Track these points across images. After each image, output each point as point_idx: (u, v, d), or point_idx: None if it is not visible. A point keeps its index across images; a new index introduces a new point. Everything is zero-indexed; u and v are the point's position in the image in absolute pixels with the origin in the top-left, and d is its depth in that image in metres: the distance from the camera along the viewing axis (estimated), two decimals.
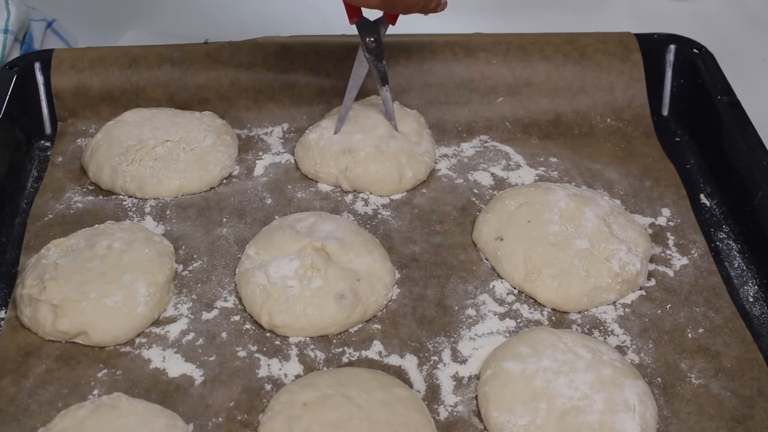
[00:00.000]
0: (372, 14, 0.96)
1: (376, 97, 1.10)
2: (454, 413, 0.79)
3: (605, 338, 0.86)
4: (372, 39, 0.98)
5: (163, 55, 1.11)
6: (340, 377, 0.79)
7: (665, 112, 1.15)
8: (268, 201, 1.00)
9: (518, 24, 1.32)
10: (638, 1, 1.45)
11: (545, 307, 0.89)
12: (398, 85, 1.12)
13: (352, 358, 0.84)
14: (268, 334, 0.85)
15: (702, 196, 1.03)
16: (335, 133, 1.02)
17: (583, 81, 1.12)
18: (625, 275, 0.89)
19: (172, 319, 0.86)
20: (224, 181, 1.03)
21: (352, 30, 1.16)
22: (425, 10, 0.92)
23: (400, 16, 0.97)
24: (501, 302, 0.89)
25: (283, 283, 0.85)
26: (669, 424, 0.78)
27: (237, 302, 0.88)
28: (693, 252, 0.95)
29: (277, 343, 0.85)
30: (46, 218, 0.97)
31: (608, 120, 1.12)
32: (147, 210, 0.98)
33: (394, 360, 0.83)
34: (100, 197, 1.00)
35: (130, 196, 1.00)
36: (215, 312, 0.87)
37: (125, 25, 1.34)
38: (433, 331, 0.86)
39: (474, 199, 1.01)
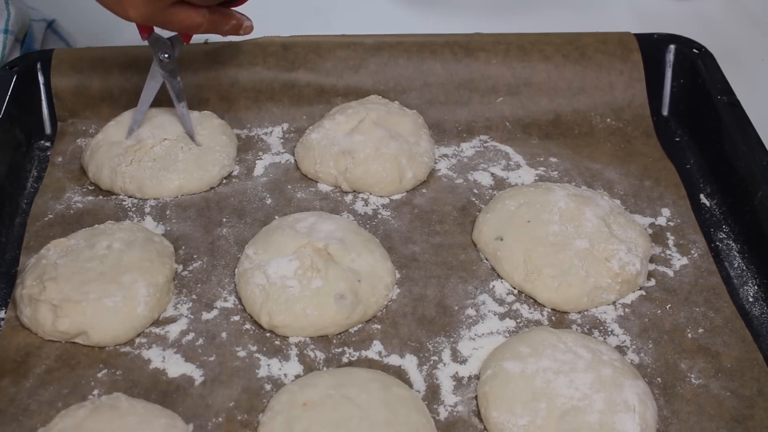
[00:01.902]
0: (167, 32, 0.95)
1: (377, 97, 1.10)
2: (454, 413, 0.79)
3: (605, 338, 0.86)
4: (166, 55, 0.99)
5: None
6: (340, 377, 0.79)
7: (665, 112, 1.15)
8: (268, 201, 1.00)
9: (518, 24, 1.32)
10: (638, 1, 1.45)
11: (545, 307, 0.89)
12: (398, 85, 1.12)
13: (352, 358, 0.84)
14: (268, 334, 0.85)
15: (702, 196, 1.03)
16: (127, 137, 1.03)
17: (583, 81, 1.12)
18: (625, 275, 0.89)
19: (172, 319, 0.86)
20: (224, 181, 1.03)
21: (352, 29, 1.17)
22: (220, 33, 0.92)
23: (196, 37, 0.98)
24: (501, 302, 0.89)
25: (283, 283, 0.85)
26: (669, 424, 0.78)
27: (237, 302, 0.88)
28: (693, 252, 0.95)
29: (277, 343, 0.85)
30: (46, 218, 0.97)
31: (608, 120, 1.12)
32: (147, 210, 0.98)
33: (394, 360, 0.83)
34: (100, 197, 1.00)
35: (129, 197, 1.00)
36: (215, 312, 0.87)
37: (125, 25, 1.34)
38: (433, 331, 0.86)
39: (474, 199, 1.01)
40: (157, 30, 0.95)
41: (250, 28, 0.93)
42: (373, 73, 1.12)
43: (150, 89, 1.02)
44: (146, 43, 0.98)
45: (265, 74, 1.11)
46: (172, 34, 0.98)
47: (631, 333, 0.86)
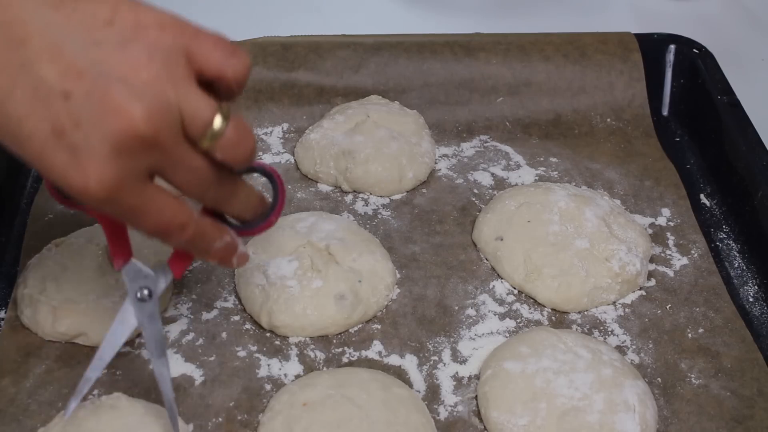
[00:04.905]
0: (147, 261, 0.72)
1: (377, 97, 1.10)
2: (454, 413, 0.79)
3: (605, 338, 0.86)
4: (146, 292, 0.69)
5: None
6: (340, 377, 0.79)
7: (665, 112, 1.15)
8: (268, 201, 1.00)
9: (518, 24, 1.32)
10: (638, 1, 1.45)
11: (545, 307, 0.89)
12: (398, 85, 1.12)
13: (352, 358, 0.84)
14: (268, 334, 0.85)
15: (702, 196, 1.03)
16: (66, 416, 0.73)
17: (583, 81, 1.12)
18: (625, 275, 0.89)
19: (172, 319, 0.86)
20: None
21: (352, 29, 1.16)
22: (205, 253, 0.65)
23: None
24: (501, 302, 0.89)
25: (282, 284, 0.85)
26: (669, 424, 0.78)
27: (237, 302, 0.88)
28: (693, 252, 0.95)
29: (277, 343, 0.85)
30: (46, 218, 0.97)
31: (608, 120, 1.12)
32: None
33: (394, 360, 0.83)
34: None
35: None
36: (215, 312, 0.87)
37: None
38: (433, 331, 0.86)
39: (474, 199, 1.01)
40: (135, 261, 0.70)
41: (245, 259, 0.68)
42: (373, 73, 1.12)
43: (115, 336, 0.71)
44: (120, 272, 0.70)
45: (265, 74, 1.11)
46: (156, 262, 0.72)
47: (631, 333, 0.86)
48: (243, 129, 0.60)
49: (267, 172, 0.68)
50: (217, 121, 0.58)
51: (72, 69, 0.54)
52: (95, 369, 0.71)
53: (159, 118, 0.55)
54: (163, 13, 0.58)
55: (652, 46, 1.14)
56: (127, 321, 0.71)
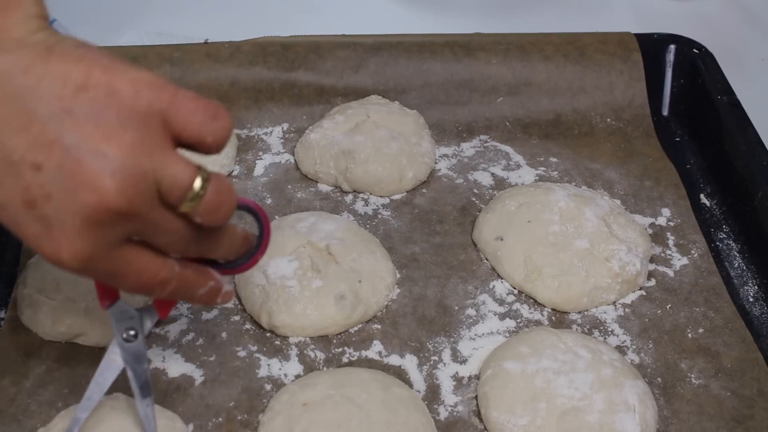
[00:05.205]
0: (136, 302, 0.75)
1: (377, 97, 1.10)
2: (454, 413, 0.79)
3: (605, 338, 0.86)
4: (132, 332, 0.69)
5: (163, 55, 1.11)
6: (340, 377, 0.79)
7: (665, 112, 1.15)
8: (268, 201, 1.00)
9: (518, 24, 1.32)
10: (638, 1, 1.45)
11: (545, 307, 0.89)
12: (398, 85, 1.12)
13: (352, 358, 0.84)
14: (268, 334, 0.85)
15: (702, 196, 1.03)
16: None
17: (583, 81, 1.12)
18: (625, 275, 0.89)
19: (172, 319, 0.86)
20: None
21: (352, 29, 1.16)
22: (191, 298, 0.65)
23: None
24: (501, 302, 0.89)
25: (282, 284, 0.85)
26: (669, 424, 0.78)
27: (237, 302, 0.88)
28: (693, 252, 0.95)
29: (277, 343, 0.85)
30: None
31: (608, 120, 1.12)
32: None
33: (394, 360, 0.83)
34: None
35: None
36: (215, 312, 0.87)
37: (125, 25, 1.34)
38: (433, 331, 0.86)
39: (474, 199, 1.01)
40: (124, 296, 0.70)
41: (230, 296, 0.67)
42: (373, 73, 1.12)
43: (102, 379, 0.71)
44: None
45: (265, 74, 1.11)
46: (141, 302, 0.76)
47: (631, 333, 0.86)
48: (223, 191, 0.58)
49: (252, 210, 0.67)
50: (197, 185, 0.56)
51: (42, 140, 0.52)
52: (84, 410, 0.70)
53: (133, 190, 0.54)
54: (140, 73, 0.55)
55: (652, 46, 1.14)
56: (114, 362, 0.70)
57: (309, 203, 1.00)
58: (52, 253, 0.55)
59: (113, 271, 0.58)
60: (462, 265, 0.93)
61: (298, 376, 0.81)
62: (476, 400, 0.80)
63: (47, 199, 0.53)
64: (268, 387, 0.80)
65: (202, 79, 1.11)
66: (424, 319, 0.87)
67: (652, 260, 0.94)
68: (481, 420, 0.78)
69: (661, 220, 0.99)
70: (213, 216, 0.58)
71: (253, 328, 0.86)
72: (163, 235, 0.58)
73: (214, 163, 1.01)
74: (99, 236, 0.54)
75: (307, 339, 0.85)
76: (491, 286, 0.91)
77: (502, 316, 0.88)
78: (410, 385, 0.81)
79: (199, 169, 0.57)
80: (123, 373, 0.79)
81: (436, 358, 0.84)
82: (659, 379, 0.82)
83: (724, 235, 0.98)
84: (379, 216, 0.99)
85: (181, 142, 0.57)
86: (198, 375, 0.81)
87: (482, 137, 1.10)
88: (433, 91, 1.12)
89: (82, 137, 0.53)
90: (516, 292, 0.91)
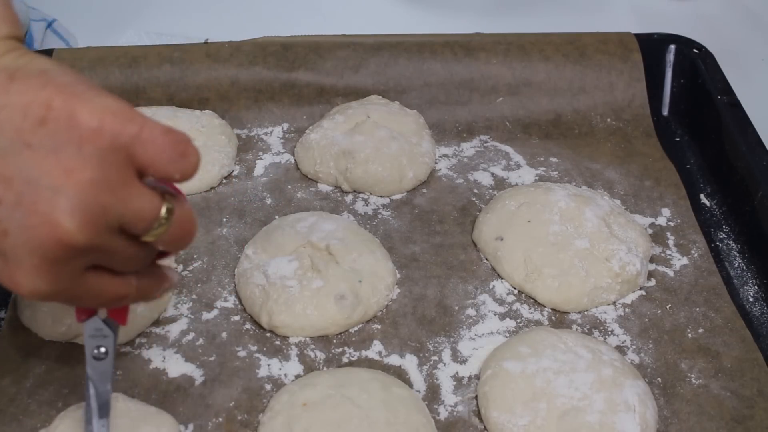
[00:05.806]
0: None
1: (377, 97, 1.10)
2: (454, 413, 0.79)
3: (605, 338, 0.86)
4: (102, 350, 0.67)
5: (163, 55, 1.11)
6: (340, 377, 0.79)
7: (665, 112, 1.15)
8: (268, 201, 1.00)
9: (518, 24, 1.32)
10: (638, 1, 1.45)
11: (545, 307, 0.89)
12: (398, 85, 1.12)
13: (352, 358, 0.84)
14: (268, 334, 0.85)
15: (702, 196, 1.03)
16: None
17: (583, 81, 1.12)
18: (625, 275, 0.89)
19: (172, 319, 0.86)
20: (224, 181, 1.03)
21: (352, 29, 1.16)
22: (150, 299, 0.65)
23: None
24: (501, 302, 0.89)
25: (282, 284, 0.85)
26: (669, 424, 0.78)
27: (237, 302, 0.88)
28: (693, 252, 0.95)
29: (277, 343, 0.85)
30: None
31: (608, 120, 1.12)
32: None
33: (394, 360, 0.83)
34: None
35: None
36: (215, 312, 0.87)
37: (125, 25, 1.34)
38: (433, 331, 0.86)
39: (474, 199, 1.01)
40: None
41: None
42: (373, 73, 1.12)
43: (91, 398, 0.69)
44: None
45: (265, 74, 1.11)
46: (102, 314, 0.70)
47: (631, 333, 0.86)
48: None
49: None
50: (162, 215, 0.56)
51: (1, 175, 0.51)
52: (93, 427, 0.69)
53: (93, 226, 0.52)
54: (106, 100, 0.53)
55: (652, 46, 1.14)
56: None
57: (309, 203, 1.00)
58: (11, 286, 0.55)
59: (73, 296, 0.57)
60: (462, 265, 0.93)
61: (298, 376, 0.81)
62: (476, 400, 0.80)
63: (4, 235, 0.52)
64: (268, 387, 0.80)
65: (202, 79, 1.11)
66: (424, 319, 0.87)
67: (652, 260, 0.94)
68: (481, 420, 0.78)
69: (661, 220, 0.99)
70: (176, 245, 0.58)
71: (253, 328, 0.86)
72: (120, 261, 0.57)
73: (214, 163, 1.02)
74: (57, 271, 0.54)
75: (307, 339, 0.85)
76: (491, 286, 0.91)
77: (502, 316, 0.88)
78: (410, 385, 0.81)
79: (164, 199, 0.56)
80: (122, 372, 0.79)
81: (436, 358, 0.84)
82: (659, 379, 0.82)
83: (724, 235, 0.98)
84: (379, 216, 0.99)
85: (146, 174, 0.56)
86: (198, 375, 0.81)
87: (482, 137, 1.10)
88: (433, 91, 1.12)
89: (41, 172, 0.51)
90: (516, 292, 0.91)
